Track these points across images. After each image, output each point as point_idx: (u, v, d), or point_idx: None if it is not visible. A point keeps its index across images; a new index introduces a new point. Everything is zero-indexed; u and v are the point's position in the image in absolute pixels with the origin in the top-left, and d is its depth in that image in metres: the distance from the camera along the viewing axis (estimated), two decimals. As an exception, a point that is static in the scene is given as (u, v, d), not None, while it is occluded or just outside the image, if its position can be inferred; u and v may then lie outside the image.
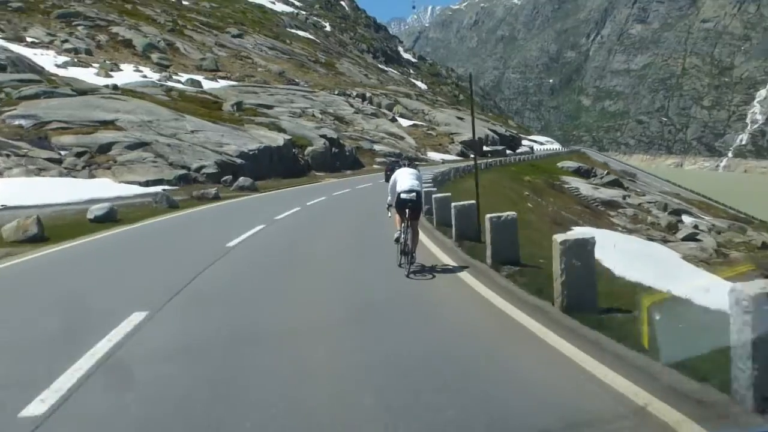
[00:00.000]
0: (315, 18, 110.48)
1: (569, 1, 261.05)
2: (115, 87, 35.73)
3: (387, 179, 18.60)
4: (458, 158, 61.79)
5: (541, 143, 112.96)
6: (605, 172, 53.75)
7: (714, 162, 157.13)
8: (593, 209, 31.61)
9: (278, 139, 36.13)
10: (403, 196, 9.46)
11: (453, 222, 11.43)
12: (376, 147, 50.50)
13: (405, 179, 9.69)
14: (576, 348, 4.94)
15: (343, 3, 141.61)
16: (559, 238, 5.97)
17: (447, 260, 9.94)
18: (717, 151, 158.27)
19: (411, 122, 71.20)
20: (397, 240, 9.56)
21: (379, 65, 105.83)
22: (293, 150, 37.93)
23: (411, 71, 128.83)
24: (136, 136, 27.30)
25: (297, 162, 37.95)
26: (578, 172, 49.56)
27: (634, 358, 4.62)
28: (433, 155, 59.52)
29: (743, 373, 3.81)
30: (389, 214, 10.48)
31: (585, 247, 5.98)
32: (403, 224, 9.53)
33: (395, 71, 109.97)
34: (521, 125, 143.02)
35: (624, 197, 38.59)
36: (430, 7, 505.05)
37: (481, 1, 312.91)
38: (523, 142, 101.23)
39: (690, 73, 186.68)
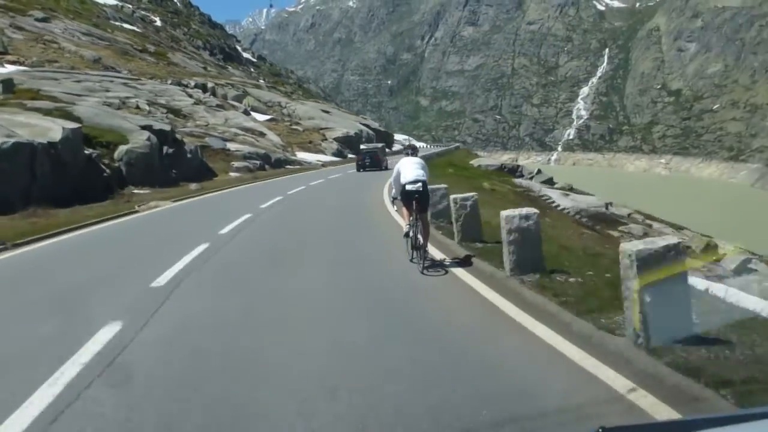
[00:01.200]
0: (143, 12, 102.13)
1: (403, 3, 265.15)
2: None
3: (361, 168, 40.71)
4: (336, 159, 55.19)
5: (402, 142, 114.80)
6: (535, 171, 46.01)
7: (546, 156, 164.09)
8: (592, 228, 22.07)
9: (52, 130, 21.28)
10: (409, 187, 9.14)
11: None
12: (231, 146, 40.82)
13: (409, 169, 9.37)
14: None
15: (175, 0, 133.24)
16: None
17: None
18: (548, 146, 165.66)
19: (267, 117, 59.57)
20: (407, 234, 9.27)
21: (218, 63, 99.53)
22: (89, 151, 23.47)
23: (252, 70, 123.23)
24: None
25: (95, 171, 23.30)
26: (509, 172, 42.50)
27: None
28: (305, 156, 51.25)
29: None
30: (395, 208, 10.93)
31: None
32: (411, 217, 9.19)
33: (236, 70, 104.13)
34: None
35: (607, 206, 29.03)
36: (265, 10, 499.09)
37: (317, 4, 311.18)
38: (396, 137, 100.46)
39: (519, 73, 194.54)
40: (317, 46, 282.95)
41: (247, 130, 47.29)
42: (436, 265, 9.03)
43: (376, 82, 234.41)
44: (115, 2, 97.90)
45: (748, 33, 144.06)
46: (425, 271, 8.54)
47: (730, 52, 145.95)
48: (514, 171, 44.17)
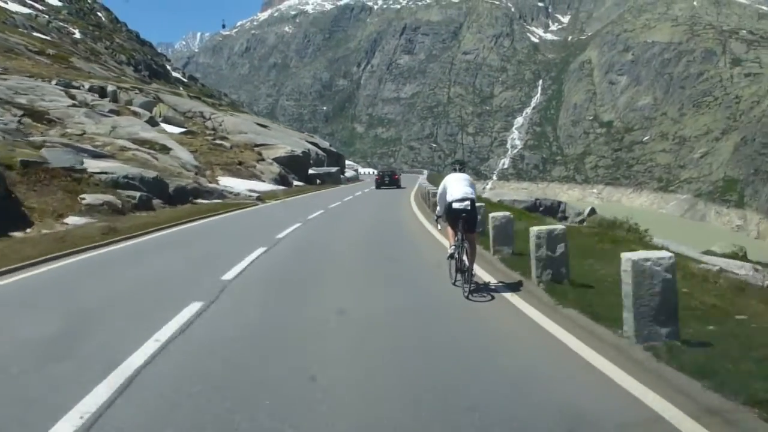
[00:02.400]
0: (60, 23, 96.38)
1: (339, 30, 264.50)
2: None
3: (377, 185, 51.52)
4: (278, 188, 41.88)
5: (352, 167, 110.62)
6: (587, 210, 38.02)
7: (482, 185, 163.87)
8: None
9: None
10: (455, 205, 8.74)
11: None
12: (95, 165, 25.15)
13: (457, 186, 8.95)
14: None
15: (99, 14, 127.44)
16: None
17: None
18: (483, 175, 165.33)
19: (183, 129, 47.59)
20: (452, 256, 8.92)
21: (142, 78, 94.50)
22: None
23: (181, 89, 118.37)
24: None
25: None
26: (546, 212, 33.18)
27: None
28: (231, 183, 37.39)
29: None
30: (438, 227, 10.50)
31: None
32: (456, 238, 8.79)
33: (163, 87, 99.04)
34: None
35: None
36: (199, 33, 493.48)
37: (252, 29, 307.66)
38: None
39: (455, 102, 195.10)
40: (252, 71, 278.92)
41: (143, 142, 34.21)
42: (481, 288, 8.75)
43: (311, 107, 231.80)
44: (29, 11, 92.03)
45: (676, 68, 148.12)
46: (471, 296, 8.24)
47: (659, 86, 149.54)
48: (553, 210, 35.39)
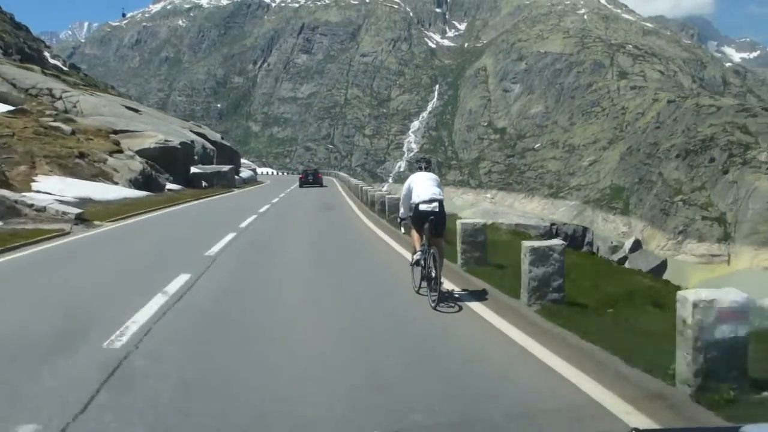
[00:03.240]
0: None
1: (235, 27, 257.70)
2: None
3: (301, 184, 50.97)
4: (140, 194, 30.47)
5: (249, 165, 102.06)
6: (629, 243, 30.64)
7: (378, 187, 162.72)
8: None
9: None
10: (423, 207, 8.22)
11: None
12: None
13: (424, 187, 8.38)
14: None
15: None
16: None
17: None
18: (379, 177, 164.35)
19: (12, 108, 36.08)
20: (417, 263, 8.42)
21: (12, 62, 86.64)
22: None
23: (60, 77, 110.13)
24: None
25: None
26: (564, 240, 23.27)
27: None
28: (54, 185, 25.73)
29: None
30: (402, 231, 10.02)
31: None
32: (422, 243, 8.32)
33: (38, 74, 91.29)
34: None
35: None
36: (86, 23, 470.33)
37: (143, 20, 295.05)
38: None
39: (352, 104, 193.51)
40: (142, 64, 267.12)
41: None
42: (448, 297, 8.32)
43: (205, 104, 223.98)
44: None
45: (567, 78, 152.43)
46: (439, 308, 7.75)
47: (551, 95, 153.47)
48: (577, 240, 28.25)
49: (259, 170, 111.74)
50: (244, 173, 64.88)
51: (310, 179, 54.69)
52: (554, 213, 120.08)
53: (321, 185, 54.68)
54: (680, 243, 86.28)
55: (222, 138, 74.12)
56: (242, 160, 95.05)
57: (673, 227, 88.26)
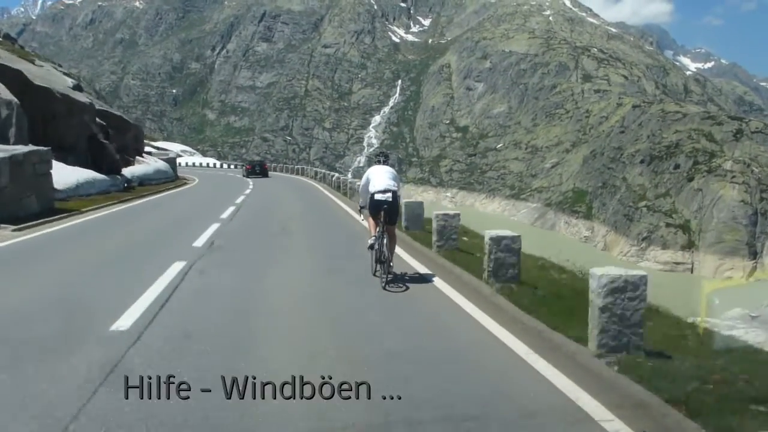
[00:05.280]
0: None
1: (194, 11, 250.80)
2: None
3: (248, 174, 51.56)
4: None
5: (178, 154, 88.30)
6: None
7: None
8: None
9: None
10: (377, 197, 8.91)
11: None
12: None
13: (380, 178, 9.15)
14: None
15: None
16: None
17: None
18: (338, 171, 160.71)
19: None
20: (372, 247, 9.02)
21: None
22: None
23: None
24: None
25: None
26: None
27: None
28: None
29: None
30: (361, 218, 10.66)
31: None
32: (378, 229, 8.93)
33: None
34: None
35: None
36: (40, 1, 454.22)
37: (99, 0, 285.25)
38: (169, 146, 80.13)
39: (313, 95, 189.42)
40: (96, 45, 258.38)
41: None
42: (399, 279, 9.15)
43: (159, 89, 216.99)
44: None
45: (531, 79, 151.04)
46: (388, 287, 8.59)
47: (515, 95, 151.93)
48: None
49: (190, 160, 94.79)
50: (143, 167, 38.70)
51: (257, 170, 58.48)
52: (515, 215, 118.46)
53: (265, 176, 58.03)
54: (644, 249, 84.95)
55: (74, 77, 44.82)
56: (158, 144, 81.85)
57: (637, 233, 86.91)
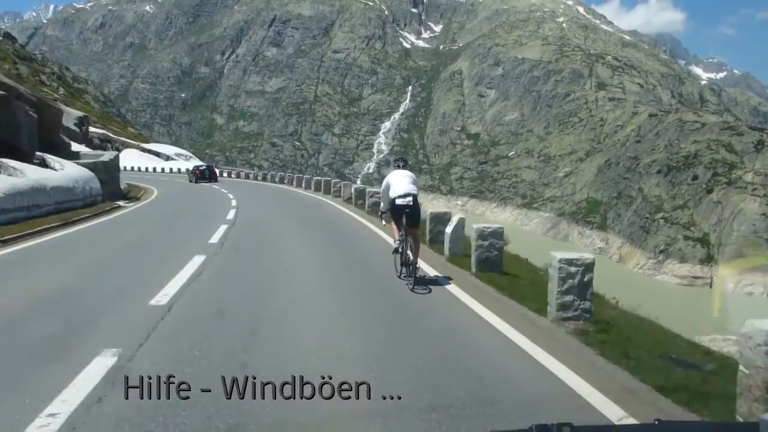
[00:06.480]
0: None
1: (204, 15, 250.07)
2: None
3: (196, 179, 43.54)
4: None
5: (169, 156, 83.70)
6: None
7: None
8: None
9: None
10: (399, 201, 9.03)
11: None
12: None
13: (400, 183, 9.22)
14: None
15: None
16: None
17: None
18: (347, 178, 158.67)
19: None
20: (396, 251, 9.14)
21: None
22: None
23: None
24: None
25: None
26: None
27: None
28: None
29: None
30: (383, 222, 10.72)
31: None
32: (401, 233, 9.09)
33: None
34: (140, 134, 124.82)
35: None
36: (52, 6, 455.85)
37: (109, 4, 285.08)
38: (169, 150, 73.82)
39: (322, 101, 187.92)
40: (106, 49, 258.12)
41: None
42: (427, 281, 9.20)
43: (168, 93, 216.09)
44: None
45: (545, 86, 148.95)
46: (416, 289, 8.54)
47: (527, 103, 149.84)
48: None
49: (192, 163, 73.39)
50: (37, 176, 19.91)
51: (207, 175, 53.62)
52: (527, 224, 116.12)
53: (215, 181, 53.04)
54: (661, 263, 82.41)
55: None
56: (148, 146, 71.79)
57: (654, 246, 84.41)
